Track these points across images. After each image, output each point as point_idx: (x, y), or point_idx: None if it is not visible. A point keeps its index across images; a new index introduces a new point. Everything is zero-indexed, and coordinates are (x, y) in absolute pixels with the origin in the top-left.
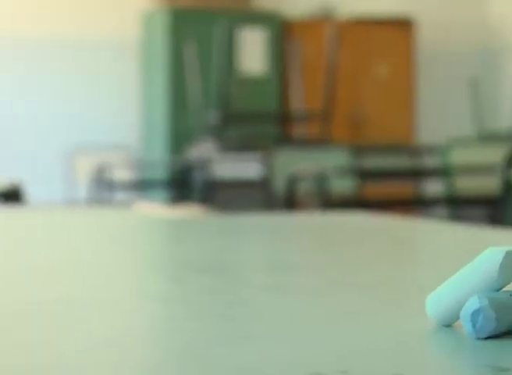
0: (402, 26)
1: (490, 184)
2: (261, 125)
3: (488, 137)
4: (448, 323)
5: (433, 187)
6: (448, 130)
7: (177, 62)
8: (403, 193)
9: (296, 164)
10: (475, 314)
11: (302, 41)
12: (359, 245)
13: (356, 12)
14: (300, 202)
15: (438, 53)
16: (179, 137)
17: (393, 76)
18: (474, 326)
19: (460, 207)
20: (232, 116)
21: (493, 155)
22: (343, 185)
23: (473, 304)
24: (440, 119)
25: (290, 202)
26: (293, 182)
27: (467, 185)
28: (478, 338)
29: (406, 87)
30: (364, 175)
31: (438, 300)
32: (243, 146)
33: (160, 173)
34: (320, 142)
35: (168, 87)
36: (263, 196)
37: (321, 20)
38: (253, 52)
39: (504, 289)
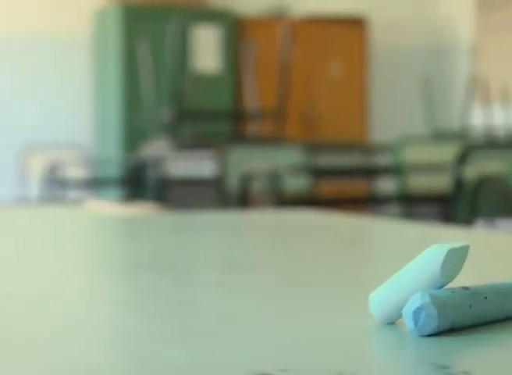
0: (355, 25)
1: (442, 182)
2: (214, 123)
3: (439, 136)
4: (391, 321)
5: (386, 185)
6: (401, 129)
7: (130, 59)
8: (357, 191)
9: (249, 162)
10: (417, 311)
11: (256, 39)
12: (309, 243)
13: (309, 10)
14: (253, 200)
15: (390, 52)
16: (133, 135)
17: (347, 74)
18: (416, 323)
19: (413, 205)
20: (186, 114)
21: (445, 153)
22: (296, 183)
23: (415, 301)
24: (393, 118)
25: (244, 200)
26: (246, 180)
27: (419, 183)
28: (421, 336)
29: (359, 85)
30: (318, 173)
31: (381, 298)
32: (196, 144)
33: (113, 171)
34: (274, 140)
35: (121, 84)
36: (217, 194)
37: (274, 19)
38: (206, 50)
39: (447, 286)
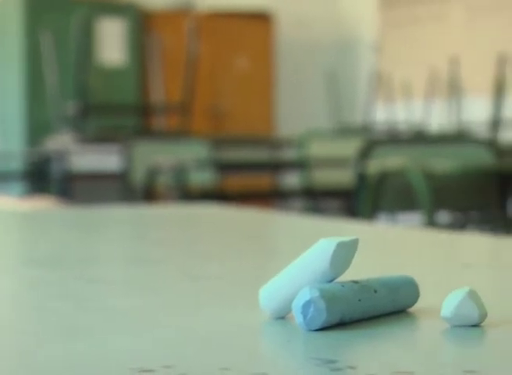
0: (260, 19)
1: (345, 177)
2: (120, 117)
3: (344, 131)
4: (281, 315)
5: (292, 180)
6: (306, 124)
7: (33, 51)
8: (263, 185)
9: (155, 156)
10: (306, 305)
11: (162, 32)
12: (211, 238)
13: (216, 5)
14: (159, 195)
15: (296, 47)
16: (37, 129)
17: (253, 69)
18: (305, 317)
19: (317, 199)
20: (90, 107)
21: (348, 148)
22: (202, 178)
23: (304, 295)
24: (299, 113)
25: (149, 195)
26: (152, 174)
27: (323, 178)
28: (310, 330)
29: (265, 80)
30: (224, 167)
31: (271, 292)
32: (101, 138)
33: (16, 164)
34: (180, 134)
35: (24, 77)
36: (122, 189)
37: (181, 12)
38: (112, 43)
39: (337, 280)
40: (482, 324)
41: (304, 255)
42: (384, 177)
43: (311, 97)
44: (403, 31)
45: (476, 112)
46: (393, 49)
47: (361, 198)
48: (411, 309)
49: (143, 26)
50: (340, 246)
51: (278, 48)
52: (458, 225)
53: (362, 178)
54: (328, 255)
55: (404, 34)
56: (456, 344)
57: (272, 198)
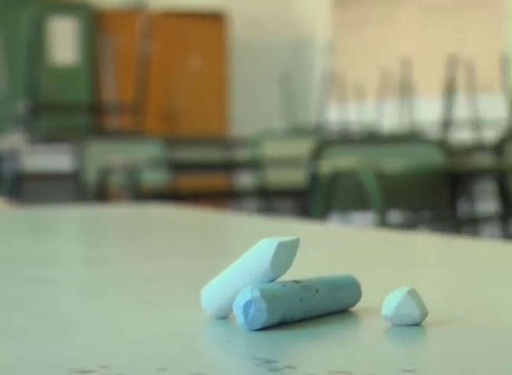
0: (214, 19)
1: (299, 177)
2: (72, 116)
3: (297, 131)
4: (222, 315)
5: (245, 180)
6: (260, 123)
7: None
8: (217, 185)
9: (108, 156)
10: (247, 305)
11: (114, 31)
12: (159, 237)
13: (169, 4)
14: (112, 195)
15: (250, 47)
16: None
17: (206, 68)
18: (246, 317)
19: (271, 199)
20: (42, 107)
21: (301, 148)
22: (155, 177)
23: (245, 295)
24: (253, 112)
25: (102, 195)
26: (104, 174)
27: (277, 178)
28: (251, 330)
29: (219, 79)
30: (177, 167)
31: (212, 292)
32: (53, 137)
33: None
34: (132, 134)
35: None
36: (74, 189)
37: (133, 12)
38: (64, 42)
39: (278, 280)
40: (423, 323)
41: (245, 255)
42: (336, 177)
43: (265, 97)
44: (357, 32)
45: (427, 112)
46: (347, 50)
47: (314, 198)
48: (353, 309)
49: (95, 25)
50: (281, 246)
51: (231, 47)
52: (410, 224)
53: (314, 178)
54: (269, 255)
55: (357, 35)
56: (396, 343)
57: (225, 198)
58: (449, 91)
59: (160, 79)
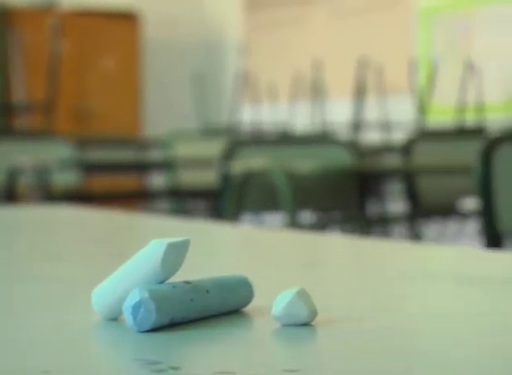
0: (126, 19)
1: (211, 178)
2: None
3: (210, 131)
4: (113, 317)
5: (158, 180)
6: (174, 124)
7: None
8: (129, 186)
9: (18, 156)
10: (136, 307)
11: (24, 30)
12: (62, 239)
13: (80, 3)
14: (21, 196)
15: (163, 47)
16: None
17: (119, 68)
18: (135, 318)
19: (184, 200)
20: None
21: (214, 148)
22: (67, 178)
23: (134, 296)
24: (166, 113)
25: (11, 196)
26: (13, 175)
27: (189, 178)
28: (140, 331)
29: (132, 80)
30: (89, 168)
31: (103, 293)
32: None
33: None
34: (43, 134)
35: None
36: None
37: (43, 10)
38: None
39: (168, 281)
40: (313, 323)
41: (135, 256)
42: (248, 178)
43: (178, 97)
44: (269, 33)
45: (339, 113)
46: (259, 51)
47: (226, 199)
48: (245, 309)
49: (4, 23)
50: (171, 247)
51: (144, 48)
52: (320, 225)
53: (226, 178)
54: (159, 255)
55: (270, 36)
56: (283, 343)
57: (138, 199)
58: (360, 93)
59: (72, 78)
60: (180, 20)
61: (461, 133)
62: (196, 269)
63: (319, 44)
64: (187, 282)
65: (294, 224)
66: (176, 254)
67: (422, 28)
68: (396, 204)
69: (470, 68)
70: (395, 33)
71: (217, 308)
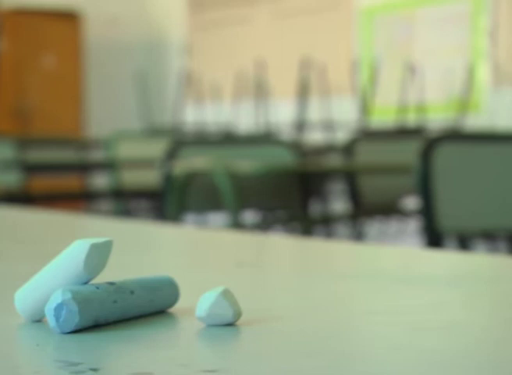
0: (68, 18)
1: (154, 178)
2: None
3: (153, 131)
4: (36, 319)
5: (101, 181)
6: (117, 124)
7: None
8: (71, 187)
9: None
10: (58, 308)
11: None
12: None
13: (20, 2)
14: None
15: (106, 46)
16: None
17: (60, 68)
18: (57, 320)
19: (127, 200)
20: None
21: (157, 148)
22: (7, 179)
23: (56, 298)
24: (109, 113)
25: None
26: None
27: (132, 179)
28: (63, 333)
29: (74, 79)
30: (30, 168)
31: (25, 295)
32: None
33: None
34: None
35: None
36: None
37: None
38: None
39: (93, 282)
40: (238, 323)
41: (58, 256)
42: (191, 178)
43: (121, 97)
44: (212, 33)
45: (282, 113)
46: (203, 51)
47: (169, 199)
48: (171, 310)
49: None
50: (94, 247)
51: (87, 47)
52: (264, 225)
53: (169, 179)
54: (82, 256)
55: (213, 36)
56: (205, 344)
57: (80, 199)
58: (303, 93)
59: (12, 78)
60: (123, 19)
61: (402, 133)
62: (125, 270)
63: (262, 44)
64: (111, 283)
65: (238, 224)
66: (99, 254)
67: (364, 29)
68: (338, 203)
69: (410, 68)
70: (337, 34)
71: (142, 309)
